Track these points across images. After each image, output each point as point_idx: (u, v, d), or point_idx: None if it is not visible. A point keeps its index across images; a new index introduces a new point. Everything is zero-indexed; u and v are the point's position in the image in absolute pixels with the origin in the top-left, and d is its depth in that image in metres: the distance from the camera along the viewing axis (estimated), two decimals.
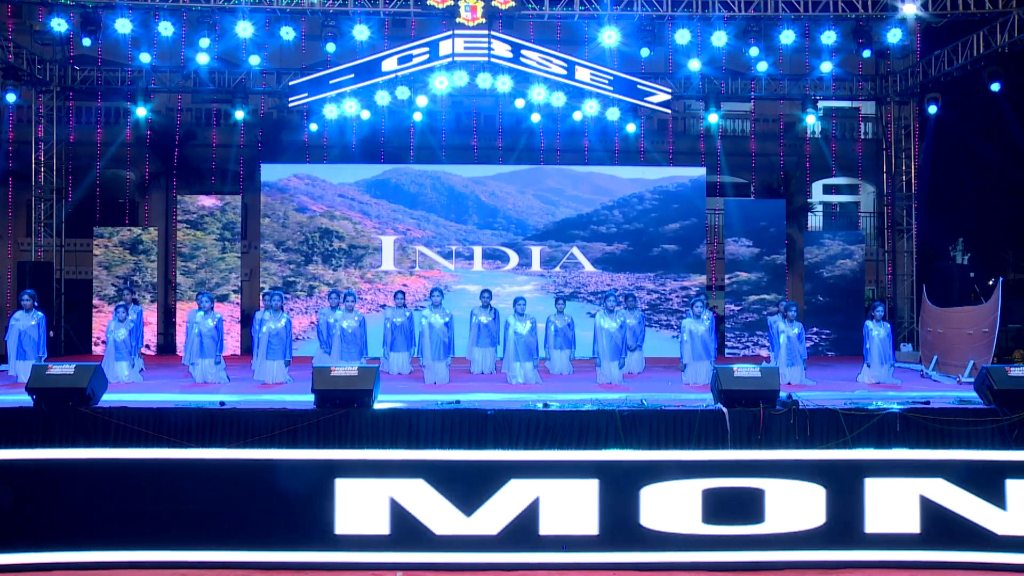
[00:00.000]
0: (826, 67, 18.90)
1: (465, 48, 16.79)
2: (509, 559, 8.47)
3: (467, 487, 8.54)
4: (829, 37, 17.23)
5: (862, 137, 25.13)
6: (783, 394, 9.15)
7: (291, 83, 18.69)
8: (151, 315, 18.66)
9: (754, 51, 17.45)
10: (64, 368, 8.99)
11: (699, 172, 19.85)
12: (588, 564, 8.48)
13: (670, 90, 18.81)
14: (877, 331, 12.73)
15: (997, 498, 8.63)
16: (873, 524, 8.59)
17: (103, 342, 14.75)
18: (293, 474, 8.52)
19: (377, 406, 9.00)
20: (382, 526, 8.47)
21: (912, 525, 8.60)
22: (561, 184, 19.54)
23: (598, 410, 8.98)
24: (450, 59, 16.98)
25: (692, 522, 8.53)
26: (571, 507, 8.50)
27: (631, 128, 20.27)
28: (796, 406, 8.94)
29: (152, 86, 20.15)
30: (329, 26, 16.92)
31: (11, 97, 18.47)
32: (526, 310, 13.04)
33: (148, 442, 8.66)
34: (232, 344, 18.11)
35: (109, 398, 9.36)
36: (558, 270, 19.05)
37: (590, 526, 8.50)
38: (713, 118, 19.78)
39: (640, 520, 8.50)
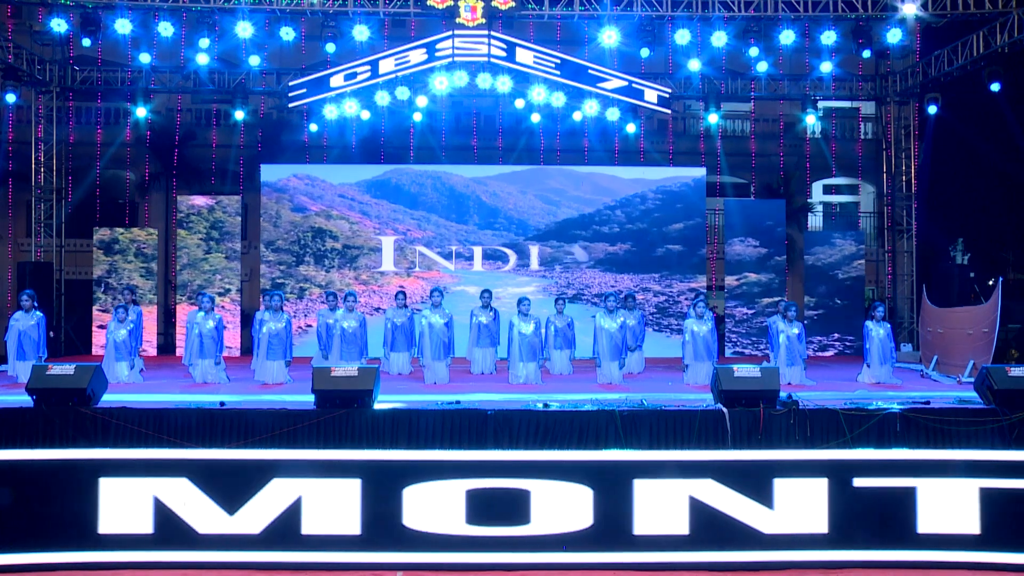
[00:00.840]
0: (826, 67, 18.89)
1: (439, 53, 17.04)
2: (270, 558, 8.54)
3: (230, 486, 8.58)
4: (829, 37, 17.22)
5: (862, 137, 25.12)
6: (783, 394, 9.15)
7: (291, 83, 18.69)
8: (149, 315, 18.64)
9: (754, 51, 17.43)
10: (64, 368, 9.00)
11: (699, 172, 19.86)
12: (349, 564, 8.62)
13: (625, 76, 18.67)
14: (877, 331, 12.73)
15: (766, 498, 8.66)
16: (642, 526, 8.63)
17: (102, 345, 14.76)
18: (55, 474, 8.54)
19: (377, 406, 9.01)
20: (146, 525, 8.54)
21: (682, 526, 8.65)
22: (562, 184, 19.54)
23: (598, 410, 8.99)
24: (449, 59, 16.97)
25: (456, 522, 8.64)
26: (334, 507, 8.60)
27: (631, 128, 20.26)
28: (796, 406, 8.95)
29: (152, 86, 20.14)
30: (329, 26, 16.92)
31: (11, 97, 18.44)
32: (530, 310, 13.04)
33: (148, 442, 8.67)
34: (231, 343, 18.09)
35: (109, 398, 9.37)
36: (559, 271, 19.05)
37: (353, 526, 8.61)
38: (713, 118, 19.76)
39: (403, 520, 8.59)
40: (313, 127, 20.22)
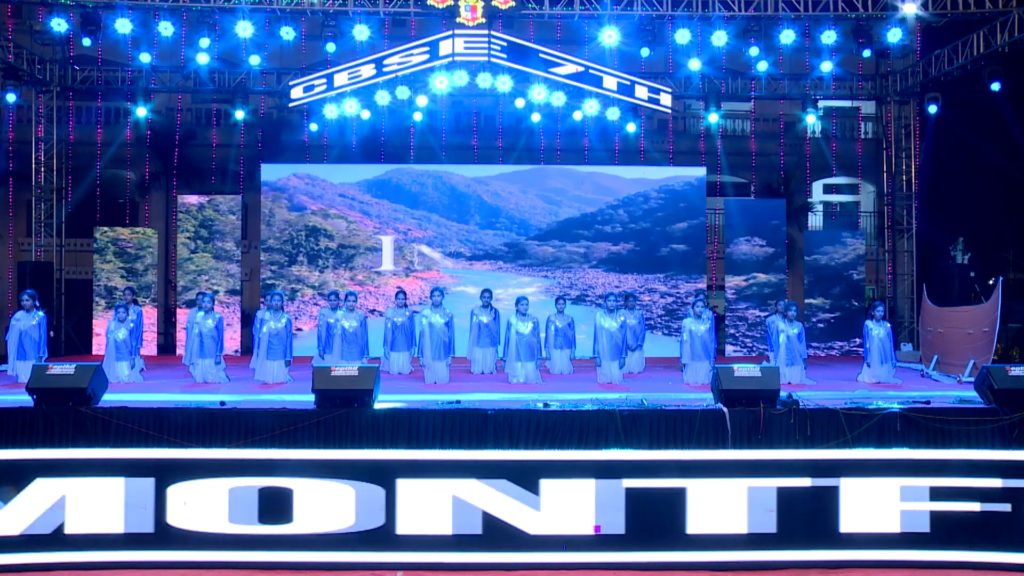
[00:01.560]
0: (826, 67, 18.89)
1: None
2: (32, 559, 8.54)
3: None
4: (829, 37, 17.21)
5: (862, 137, 25.12)
6: (783, 394, 9.15)
7: (291, 83, 18.68)
8: (149, 315, 18.65)
9: (754, 51, 17.44)
10: (64, 368, 8.99)
11: (699, 172, 19.86)
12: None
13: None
14: (877, 331, 12.73)
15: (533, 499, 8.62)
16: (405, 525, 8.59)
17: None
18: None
19: (377, 406, 9.01)
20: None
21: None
22: (563, 184, 19.54)
23: (598, 410, 8.98)
24: (449, 59, 16.96)
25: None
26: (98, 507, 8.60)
27: (631, 128, 20.26)
28: (796, 406, 8.94)
29: (152, 86, 20.15)
30: (329, 26, 16.92)
31: (11, 97, 18.46)
32: (528, 310, 13.04)
33: (149, 442, 8.67)
34: (231, 342, 18.09)
35: (109, 398, 9.37)
36: (561, 271, 19.04)
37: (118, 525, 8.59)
38: (713, 118, 19.78)
39: (168, 519, 8.58)
40: (313, 127, 20.23)
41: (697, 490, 8.64)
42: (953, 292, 18.04)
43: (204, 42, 16.93)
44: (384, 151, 22.44)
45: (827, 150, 24.58)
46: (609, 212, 19.27)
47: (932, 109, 19.20)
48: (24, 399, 8.99)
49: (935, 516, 8.68)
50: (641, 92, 17.88)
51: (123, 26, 16.30)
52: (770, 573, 8.58)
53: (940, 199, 22.34)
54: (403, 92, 18.14)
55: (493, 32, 16.65)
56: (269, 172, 19.38)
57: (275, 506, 8.57)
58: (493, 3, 16.40)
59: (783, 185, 24.46)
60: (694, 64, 18.72)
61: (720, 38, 17.08)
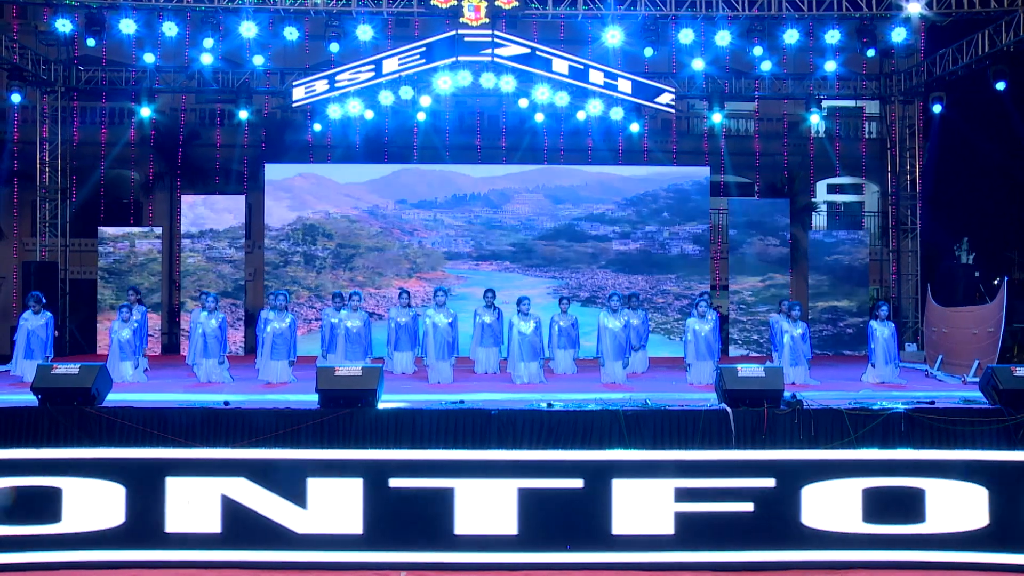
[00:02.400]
0: (830, 66, 18.83)
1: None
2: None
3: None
4: (833, 36, 17.19)
5: (866, 136, 25.07)
6: (787, 394, 9.14)
7: (294, 83, 18.70)
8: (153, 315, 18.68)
9: (758, 50, 17.42)
10: (69, 368, 9.01)
11: (703, 172, 19.85)
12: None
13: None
14: (881, 331, 12.71)
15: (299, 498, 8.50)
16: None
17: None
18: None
19: (381, 406, 9.01)
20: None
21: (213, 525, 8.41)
22: (569, 183, 19.54)
23: (602, 410, 8.98)
24: (452, 59, 16.97)
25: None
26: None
27: (635, 128, 20.22)
28: (800, 406, 8.93)
29: (156, 86, 20.18)
30: (332, 26, 16.91)
31: (16, 98, 18.52)
32: (530, 309, 13.04)
33: (153, 442, 8.68)
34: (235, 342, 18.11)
35: (114, 398, 9.39)
36: (569, 271, 19.02)
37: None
38: (717, 117, 19.77)
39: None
40: (317, 127, 20.26)
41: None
42: (958, 292, 17.97)
43: (208, 42, 16.94)
44: (388, 151, 22.45)
45: (831, 150, 24.53)
46: (615, 212, 19.26)
47: (936, 109, 19.18)
48: (29, 399, 9.01)
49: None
50: (596, 77, 17.77)
51: (127, 26, 16.32)
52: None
53: (944, 199, 22.27)
54: (406, 92, 18.15)
55: (497, 32, 16.65)
56: (273, 172, 19.41)
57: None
58: (496, 3, 16.39)
59: (787, 185, 24.43)
60: (698, 64, 18.69)
61: (724, 38, 17.06)
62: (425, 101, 18.90)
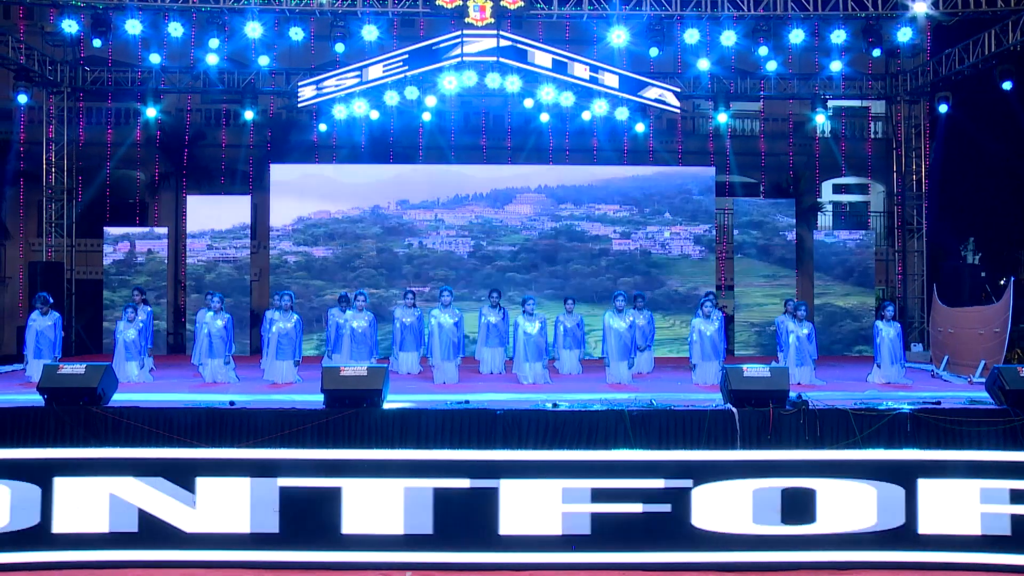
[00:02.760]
0: (836, 66, 18.81)
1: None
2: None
3: None
4: (839, 36, 17.18)
5: (872, 136, 25.02)
6: (793, 394, 9.12)
7: (300, 83, 18.71)
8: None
9: (763, 50, 17.40)
10: (75, 368, 9.02)
11: (708, 172, 19.83)
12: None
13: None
14: (887, 331, 12.68)
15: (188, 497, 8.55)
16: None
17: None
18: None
19: (386, 406, 9.01)
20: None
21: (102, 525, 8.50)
22: (572, 183, 19.53)
23: (607, 410, 8.97)
24: (458, 59, 16.95)
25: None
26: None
27: (640, 128, 20.19)
28: (806, 406, 8.91)
29: (162, 87, 20.22)
30: (338, 26, 16.94)
31: (23, 98, 18.56)
32: (535, 310, 13.03)
33: (159, 442, 8.69)
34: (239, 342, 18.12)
35: (119, 398, 9.40)
36: (575, 271, 18.99)
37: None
38: (722, 118, 19.76)
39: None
40: (322, 127, 20.26)
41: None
42: (964, 292, 17.95)
43: (213, 43, 16.97)
44: (393, 151, 22.45)
45: (836, 150, 24.48)
46: (617, 212, 19.25)
47: (943, 108, 19.15)
48: (36, 399, 9.03)
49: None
50: (580, 70, 17.54)
51: (133, 27, 16.38)
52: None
53: (950, 199, 22.22)
54: (412, 92, 18.14)
55: (502, 32, 16.65)
56: (278, 172, 19.42)
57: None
58: (502, 3, 16.38)
59: (792, 185, 24.38)
60: (703, 64, 18.68)
61: (729, 38, 17.04)
62: (430, 101, 18.90)
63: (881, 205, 25.93)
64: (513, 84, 17.65)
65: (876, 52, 17.74)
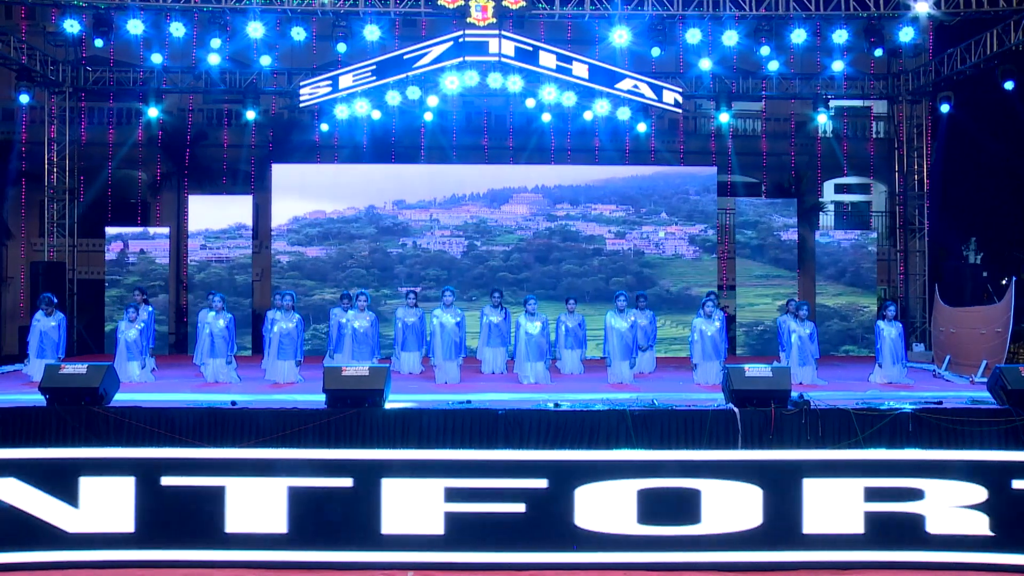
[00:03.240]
0: (838, 66, 18.81)
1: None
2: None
3: None
4: (841, 36, 17.17)
5: (874, 136, 25.04)
6: (795, 394, 9.12)
7: (302, 83, 18.71)
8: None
9: (765, 50, 17.40)
10: (77, 368, 9.04)
11: (710, 171, 19.82)
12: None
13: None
14: (888, 331, 12.67)
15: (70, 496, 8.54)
16: None
17: None
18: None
19: (388, 406, 9.02)
20: None
21: None
22: (570, 183, 19.51)
23: (609, 410, 8.97)
24: (459, 59, 16.93)
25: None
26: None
27: (642, 128, 20.19)
28: (808, 406, 8.91)
29: (164, 87, 20.23)
30: (340, 26, 16.94)
31: (24, 98, 18.55)
32: (537, 309, 13.04)
33: (160, 442, 8.70)
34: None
35: (121, 398, 9.40)
36: (579, 271, 18.97)
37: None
38: (724, 117, 19.74)
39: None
40: (324, 127, 20.28)
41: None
42: (966, 292, 17.94)
43: (215, 43, 16.97)
44: (395, 151, 22.45)
45: (838, 150, 24.49)
46: (613, 212, 19.21)
47: (944, 108, 19.12)
48: (38, 398, 9.04)
49: None
50: (547, 59, 17.11)
51: (135, 27, 16.37)
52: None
53: (952, 198, 22.21)
54: (414, 92, 18.13)
55: (504, 32, 16.64)
56: (280, 172, 19.42)
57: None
58: (504, 3, 16.37)
59: (794, 185, 24.39)
60: (705, 64, 18.66)
61: (731, 38, 17.02)
62: (432, 101, 18.86)
63: (883, 205, 25.93)
64: (515, 84, 17.64)
65: (878, 52, 17.73)
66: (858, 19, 17.18)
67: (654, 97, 17.89)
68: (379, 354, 13.77)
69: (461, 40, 16.54)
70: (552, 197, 19.32)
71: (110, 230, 19.41)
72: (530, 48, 16.98)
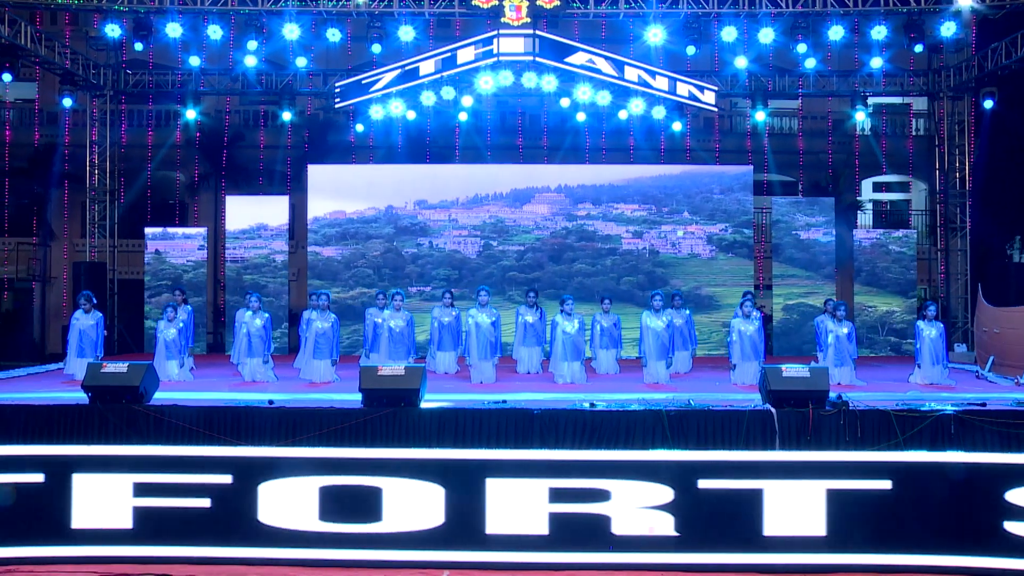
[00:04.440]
0: (876, 63, 18.54)
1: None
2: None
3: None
4: (879, 32, 16.91)
5: (913, 134, 24.69)
6: (833, 395, 9.01)
7: (338, 84, 18.82)
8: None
9: (802, 47, 17.20)
10: (117, 366, 9.19)
11: (746, 170, 19.65)
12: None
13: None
14: (928, 331, 12.47)
15: None
16: None
17: None
18: None
19: (424, 405, 9.04)
20: None
21: None
22: (596, 182, 19.41)
23: (645, 410, 8.93)
24: (495, 58, 16.93)
25: None
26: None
27: (677, 127, 20.03)
28: (846, 407, 8.80)
29: (201, 88, 20.45)
30: (374, 27, 17.01)
31: (67, 102, 18.91)
32: (573, 309, 13.00)
33: (199, 440, 8.80)
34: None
35: (160, 396, 9.53)
36: (617, 271, 18.88)
37: None
38: (760, 116, 19.56)
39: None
40: (359, 127, 20.37)
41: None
42: (1010, 292, 17.58)
43: (252, 45, 17.12)
44: (430, 151, 22.53)
45: (877, 147, 24.17)
46: (638, 211, 19.07)
47: (988, 104, 18.79)
48: (80, 396, 9.19)
49: None
50: (580, 59, 17.23)
51: (173, 30, 16.61)
52: None
53: (996, 196, 21.73)
54: (448, 92, 18.18)
55: (538, 31, 16.62)
56: (316, 173, 19.56)
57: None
58: (538, 3, 16.34)
59: (831, 183, 24.10)
60: (741, 62, 18.49)
61: (767, 35, 16.85)
62: (467, 101, 18.89)
63: (923, 203, 25.53)
64: (549, 84, 17.60)
65: (918, 47, 17.42)
66: (897, 14, 16.92)
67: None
68: (415, 354, 13.80)
69: (495, 39, 16.60)
70: (574, 197, 19.23)
71: (149, 230, 19.65)
72: (566, 46, 17.07)
